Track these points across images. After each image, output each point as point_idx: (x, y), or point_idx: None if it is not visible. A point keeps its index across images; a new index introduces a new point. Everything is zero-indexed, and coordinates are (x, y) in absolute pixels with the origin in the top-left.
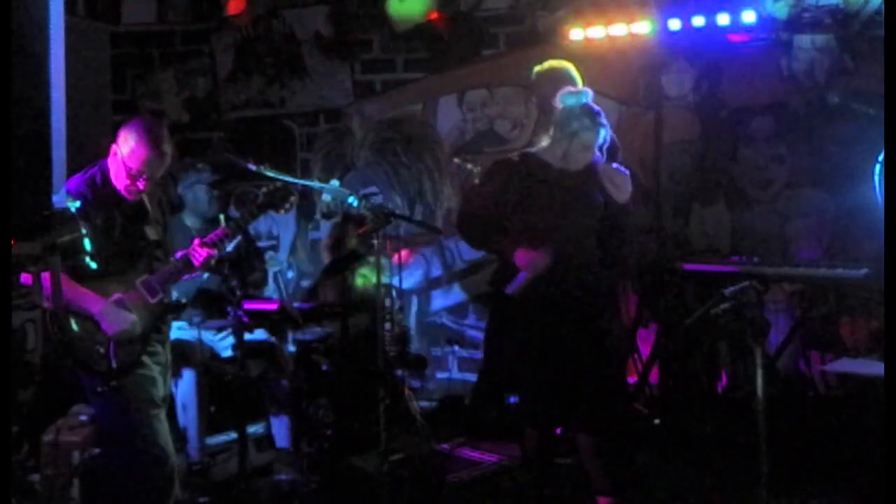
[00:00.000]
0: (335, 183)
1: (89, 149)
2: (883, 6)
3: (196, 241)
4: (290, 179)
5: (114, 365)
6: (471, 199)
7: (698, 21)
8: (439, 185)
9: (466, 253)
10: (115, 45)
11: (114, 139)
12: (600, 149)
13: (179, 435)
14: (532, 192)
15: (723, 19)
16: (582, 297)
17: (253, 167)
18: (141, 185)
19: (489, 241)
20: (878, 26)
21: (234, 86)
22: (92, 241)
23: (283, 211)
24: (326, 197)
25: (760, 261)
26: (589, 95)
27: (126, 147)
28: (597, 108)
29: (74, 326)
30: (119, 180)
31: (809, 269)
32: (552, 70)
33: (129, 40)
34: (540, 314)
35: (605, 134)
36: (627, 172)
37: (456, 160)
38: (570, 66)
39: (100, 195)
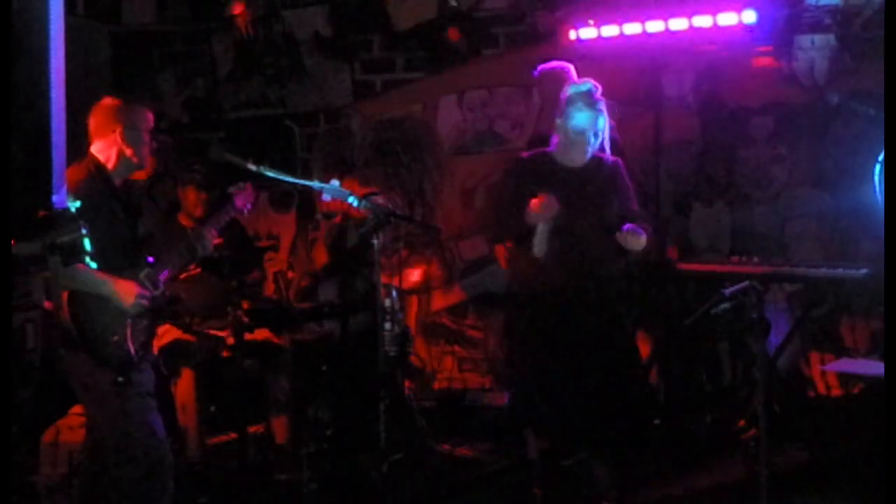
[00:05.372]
0: (335, 183)
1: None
2: (883, 6)
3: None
4: (291, 179)
5: (132, 351)
6: (492, 195)
7: (699, 21)
8: (439, 185)
9: (466, 253)
10: (115, 45)
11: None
12: (599, 139)
13: (179, 435)
14: (540, 190)
15: (723, 19)
16: (592, 292)
17: (253, 167)
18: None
19: (508, 230)
20: (878, 26)
21: (234, 86)
22: (93, 239)
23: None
24: (326, 197)
25: (760, 261)
26: (592, 86)
27: (127, 123)
28: (598, 96)
29: (90, 323)
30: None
31: (809, 269)
32: (554, 70)
33: (129, 40)
34: (547, 309)
35: (602, 122)
36: (642, 233)
37: None
38: (569, 66)
39: (100, 190)
